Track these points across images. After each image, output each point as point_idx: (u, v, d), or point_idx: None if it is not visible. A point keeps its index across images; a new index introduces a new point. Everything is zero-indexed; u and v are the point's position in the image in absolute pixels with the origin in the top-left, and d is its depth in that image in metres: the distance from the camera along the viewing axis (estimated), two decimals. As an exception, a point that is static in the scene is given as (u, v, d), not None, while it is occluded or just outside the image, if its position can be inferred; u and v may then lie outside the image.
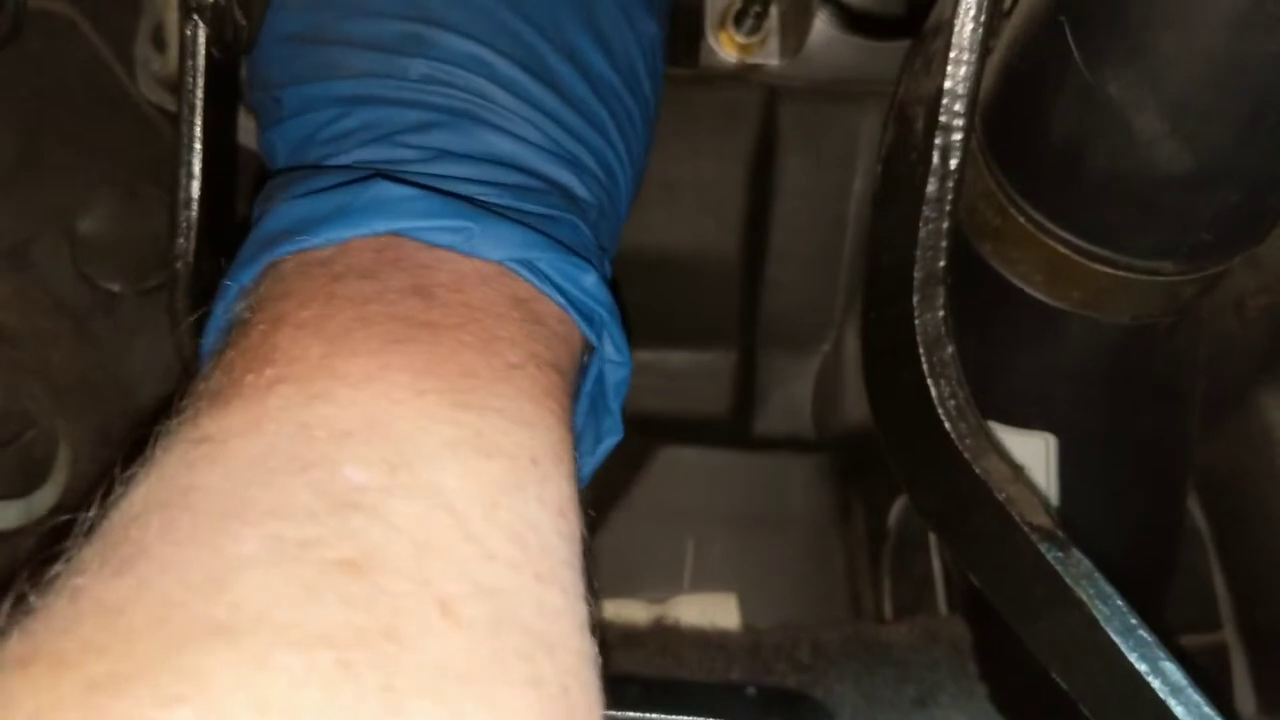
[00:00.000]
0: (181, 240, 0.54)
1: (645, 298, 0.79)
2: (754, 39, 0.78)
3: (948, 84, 0.52)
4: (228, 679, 0.27)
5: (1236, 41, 0.47)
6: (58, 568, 0.30)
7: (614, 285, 0.49)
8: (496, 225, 0.43)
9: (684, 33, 0.77)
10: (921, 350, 0.54)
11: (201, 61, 0.54)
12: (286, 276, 0.40)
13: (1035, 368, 0.65)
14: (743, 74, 0.77)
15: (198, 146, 0.54)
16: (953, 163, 0.53)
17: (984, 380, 0.55)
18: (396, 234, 0.41)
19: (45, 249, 0.73)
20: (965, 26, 0.52)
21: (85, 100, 0.76)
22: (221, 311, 0.42)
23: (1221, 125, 0.50)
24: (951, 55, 0.52)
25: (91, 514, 0.31)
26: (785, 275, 0.81)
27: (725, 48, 0.78)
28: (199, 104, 0.54)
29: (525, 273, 0.43)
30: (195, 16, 0.53)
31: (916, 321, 0.55)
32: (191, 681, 0.26)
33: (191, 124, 0.54)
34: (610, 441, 0.50)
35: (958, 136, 0.53)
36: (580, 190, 0.50)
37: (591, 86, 0.52)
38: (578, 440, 0.44)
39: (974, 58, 0.52)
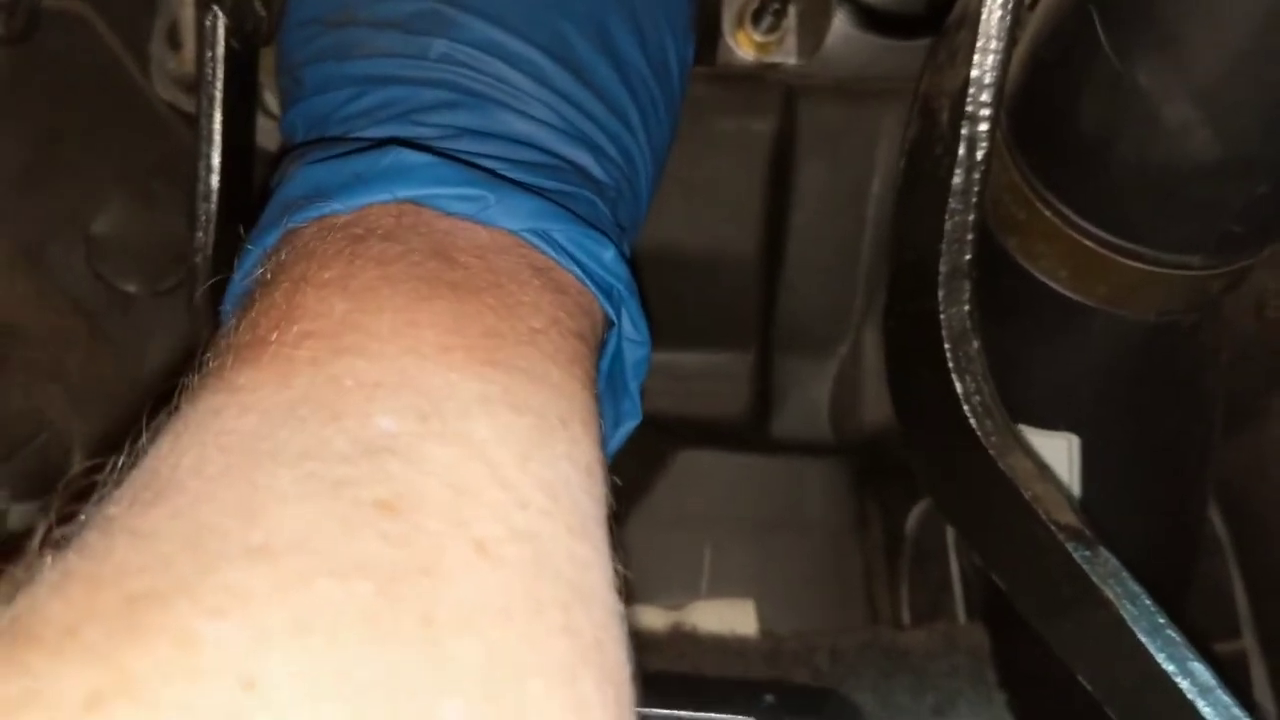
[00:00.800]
0: (200, 234, 0.53)
1: (662, 299, 0.78)
2: (772, 38, 0.78)
3: (974, 73, 0.52)
4: (268, 597, 0.27)
5: (1267, 30, 0.46)
6: (87, 509, 0.30)
7: (633, 266, 0.49)
8: (512, 195, 0.43)
9: (701, 30, 0.77)
10: (947, 346, 0.54)
11: (221, 53, 0.54)
12: (307, 240, 0.40)
13: (1059, 365, 0.64)
14: (760, 73, 0.77)
15: (217, 139, 0.54)
16: (979, 154, 0.52)
17: (1006, 378, 0.54)
18: (414, 201, 0.41)
19: (60, 250, 0.73)
20: (993, 15, 0.51)
21: (100, 100, 0.76)
22: (240, 277, 0.42)
23: (1251, 114, 0.49)
24: (978, 44, 0.51)
25: (120, 460, 0.31)
26: (803, 277, 0.80)
27: (743, 46, 0.78)
28: (218, 96, 0.54)
29: (542, 244, 0.43)
30: (215, 7, 0.53)
31: (942, 316, 0.54)
32: (232, 596, 0.26)
33: (210, 117, 0.54)
34: (630, 424, 0.50)
35: (984, 127, 0.52)
36: (598, 171, 0.50)
37: (618, 71, 0.52)
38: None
39: (1001, 46, 0.51)
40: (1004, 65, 0.52)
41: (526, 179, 0.46)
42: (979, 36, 0.52)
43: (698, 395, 0.84)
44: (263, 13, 0.55)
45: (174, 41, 0.75)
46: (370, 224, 0.40)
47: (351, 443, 0.31)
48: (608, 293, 0.45)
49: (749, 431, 0.88)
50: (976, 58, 0.52)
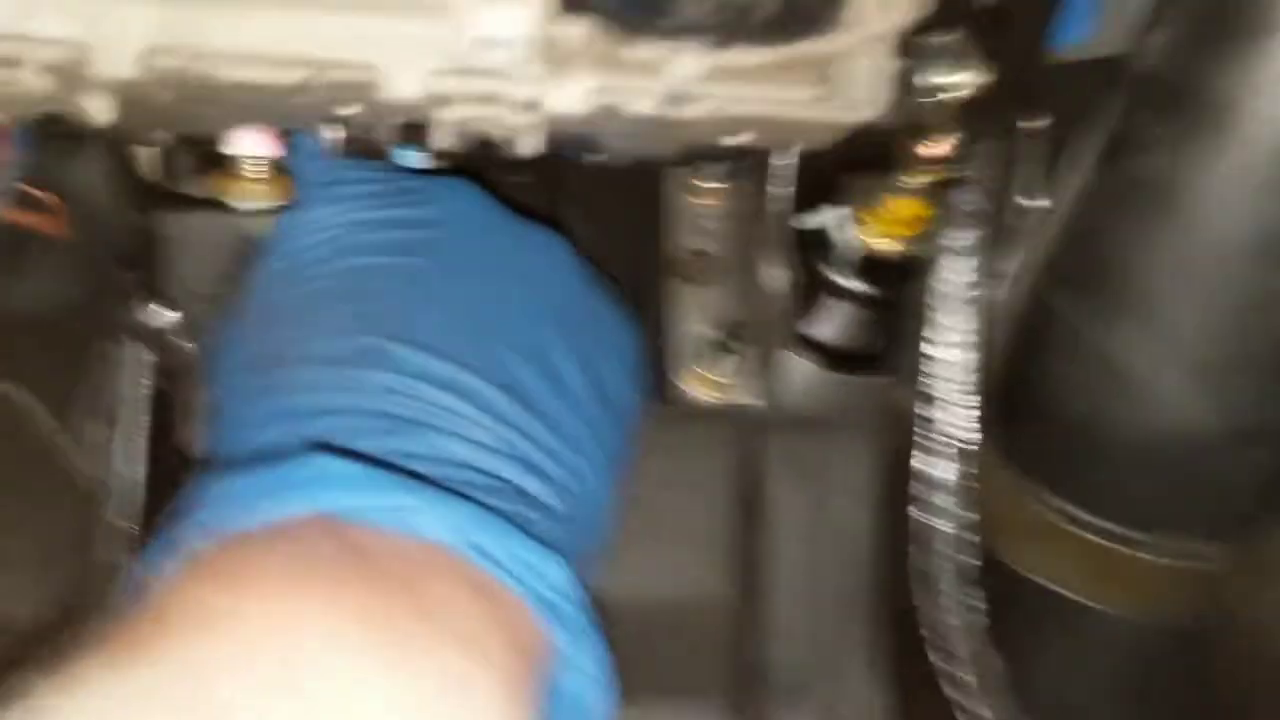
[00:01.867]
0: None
1: (632, 648, 0.71)
2: (727, 379, 0.76)
3: (944, 356, 0.49)
4: None
5: (1254, 280, 0.44)
6: None
7: (594, 606, 0.44)
8: (444, 503, 0.40)
9: (655, 374, 0.75)
10: (956, 660, 0.48)
11: (143, 391, 0.50)
12: (205, 551, 0.37)
13: (1074, 682, 0.57)
14: (721, 412, 0.74)
15: (139, 485, 0.49)
16: (961, 443, 0.48)
17: (1020, 697, 0.48)
18: (333, 514, 0.38)
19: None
20: (958, 294, 0.49)
21: (26, 479, 0.71)
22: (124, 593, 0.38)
23: (1248, 376, 0.46)
24: (944, 324, 0.49)
25: None
26: (785, 617, 0.74)
27: (697, 387, 0.76)
28: (139, 435, 0.50)
29: (478, 558, 0.39)
30: (137, 341, 0.50)
31: (950, 625, 0.48)
32: None
33: (127, 456, 0.50)
34: None
35: (965, 415, 0.49)
36: (543, 494, 0.48)
37: (562, 399, 0.51)
38: None
39: (967, 325, 0.49)
40: (975, 345, 0.49)
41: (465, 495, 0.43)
42: (943, 322, 0.49)
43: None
44: (189, 346, 0.52)
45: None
46: (279, 531, 0.37)
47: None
48: (555, 614, 0.40)
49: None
50: (944, 340, 0.49)
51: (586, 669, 0.42)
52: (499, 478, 0.46)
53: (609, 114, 0.31)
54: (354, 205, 0.52)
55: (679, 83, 0.31)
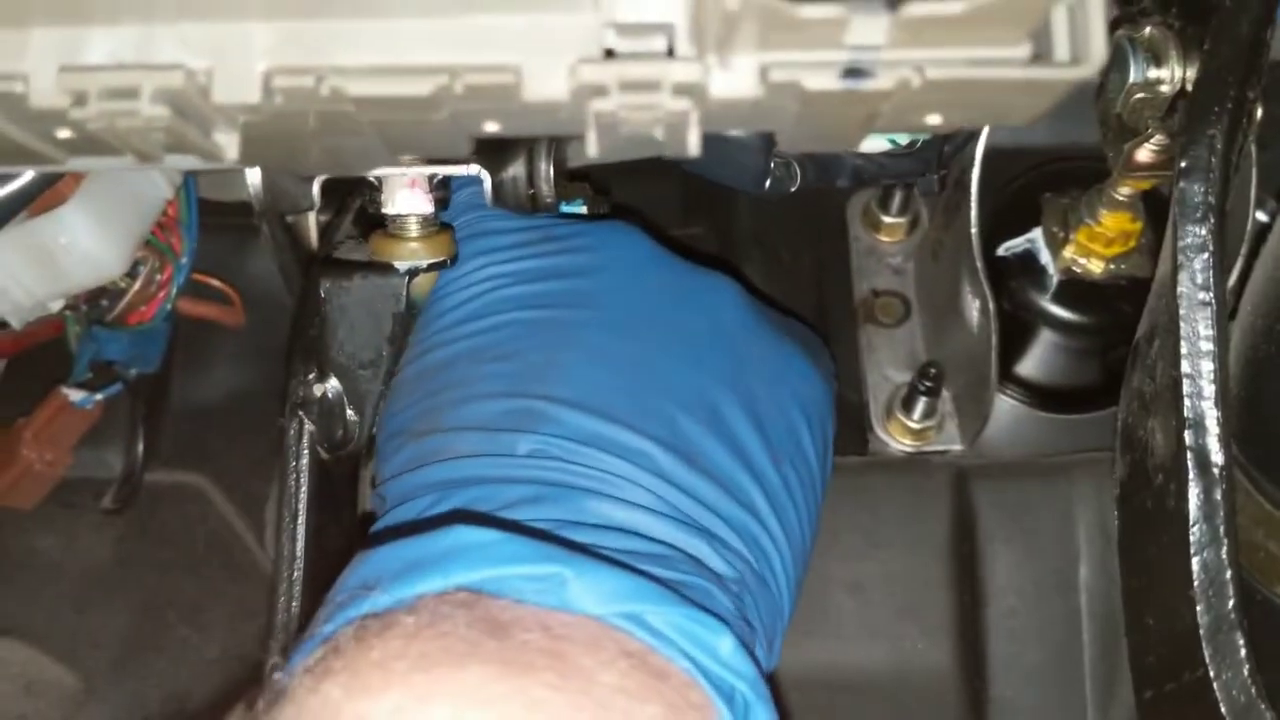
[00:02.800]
0: (277, 662, 0.45)
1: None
2: (929, 424, 0.70)
3: (1185, 370, 0.42)
4: None
5: None
6: None
7: (774, 682, 0.40)
8: (597, 571, 0.36)
9: (850, 423, 0.69)
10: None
11: (305, 463, 0.48)
12: (338, 641, 0.34)
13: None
14: (923, 459, 0.68)
15: (299, 560, 0.47)
16: (1215, 465, 0.42)
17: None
18: (472, 588, 0.35)
19: (155, 734, 0.65)
20: (1194, 302, 0.42)
21: (211, 570, 0.71)
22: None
23: None
24: (1184, 339, 0.42)
25: None
26: (1014, 691, 0.66)
27: (897, 436, 0.70)
28: (302, 511, 0.47)
29: (636, 629, 0.35)
30: (300, 413, 0.48)
31: (1216, 685, 0.41)
32: None
33: (293, 536, 0.47)
34: None
35: (1214, 431, 0.42)
36: (716, 562, 0.43)
37: (737, 456, 0.47)
38: None
39: (1210, 335, 0.42)
40: (1220, 355, 0.42)
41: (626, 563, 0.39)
42: (1183, 331, 0.43)
43: None
44: (355, 418, 0.50)
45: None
46: (412, 610, 0.34)
47: None
48: (727, 694, 0.36)
49: None
50: (1185, 350, 0.42)
51: None
52: (663, 543, 0.42)
53: (783, 94, 0.27)
54: (503, 256, 0.50)
55: (860, 50, 0.26)
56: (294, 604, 0.46)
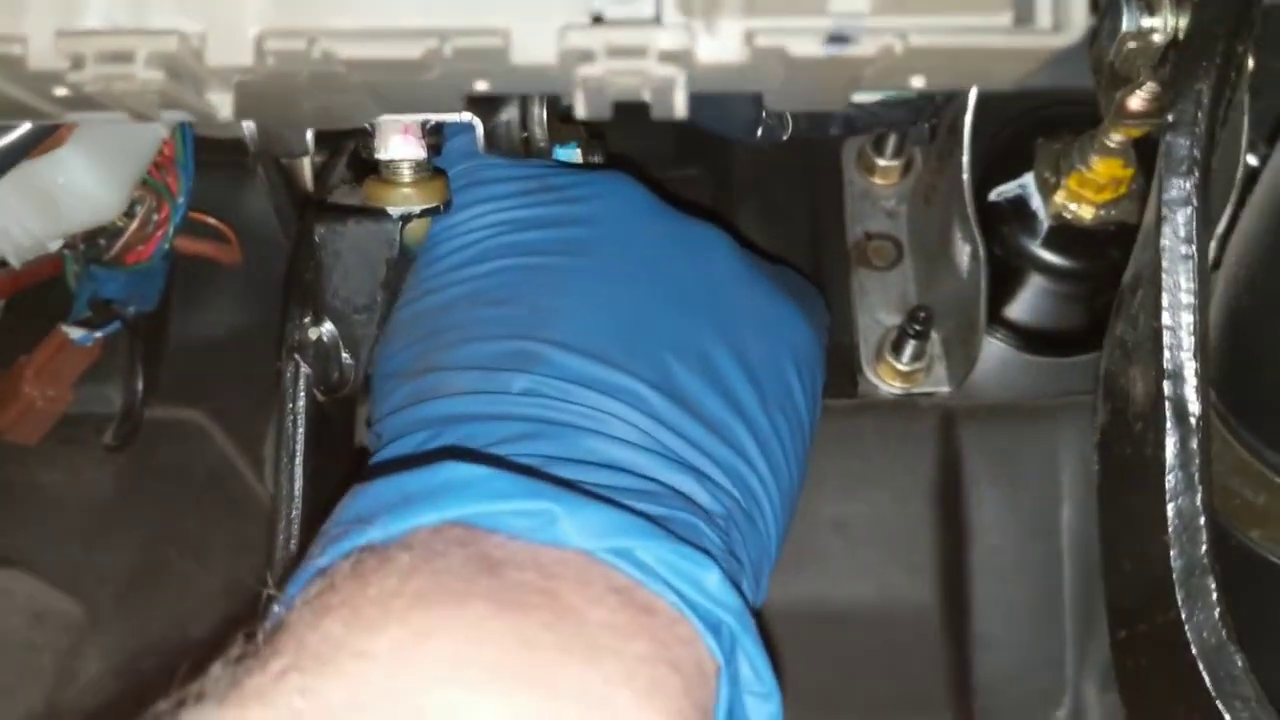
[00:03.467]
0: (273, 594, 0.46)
1: (832, 663, 0.67)
2: (918, 365, 0.71)
3: (1166, 321, 0.43)
4: None
5: None
6: None
7: (760, 616, 0.41)
8: (586, 508, 0.36)
9: (840, 365, 0.70)
10: (1201, 666, 0.42)
11: (303, 405, 0.49)
12: (333, 573, 0.35)
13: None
14: (910, 401, 0.69)
15: (297, 499, 0.48)
16: (1192, 415, 0.43)
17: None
18: (465, 521, 0.36)
19: (155, 667, 0.66)
20: (1176, 253, 0.43)
21: (212, 505, 0.72)
22: (269, 624, 0.36)
23: None
24: (1165, 290, 0.43)
25: None
26: (997, 629, 0.68)
27: (886, 378, 0.71)
28: (299, 452, 0.48)
29: (624, 564, 0.36)
30: (296, 356, 0.49)
31: (1187, 627, 0.43)
32: None
33: (291, 476, 0.48)
34: None
35: (1191, 381, 0.43)
36: (704, 498, 0.44)
37: (724, 398, 0.48)
38: None
39: (1192, 286, 0.43)
40: (1200, 308, 0.43)
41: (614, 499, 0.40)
42: (1165, 283, 0.43)
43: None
44: (350, 360, 0.50)
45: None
46: (407, 546, 0.35)
47: None
48: (713, 627, 0.37)
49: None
50: (1166, 303, 0.43)
51: (752, 686, 0.38)
52: (653, 479, 0.44)
53: (768, 59, 0.27)
54: (500, 205, 0.50)
55: (844, 17, 0.27)
56: (292, 543, 0.47)
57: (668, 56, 0.27)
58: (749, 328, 0.51)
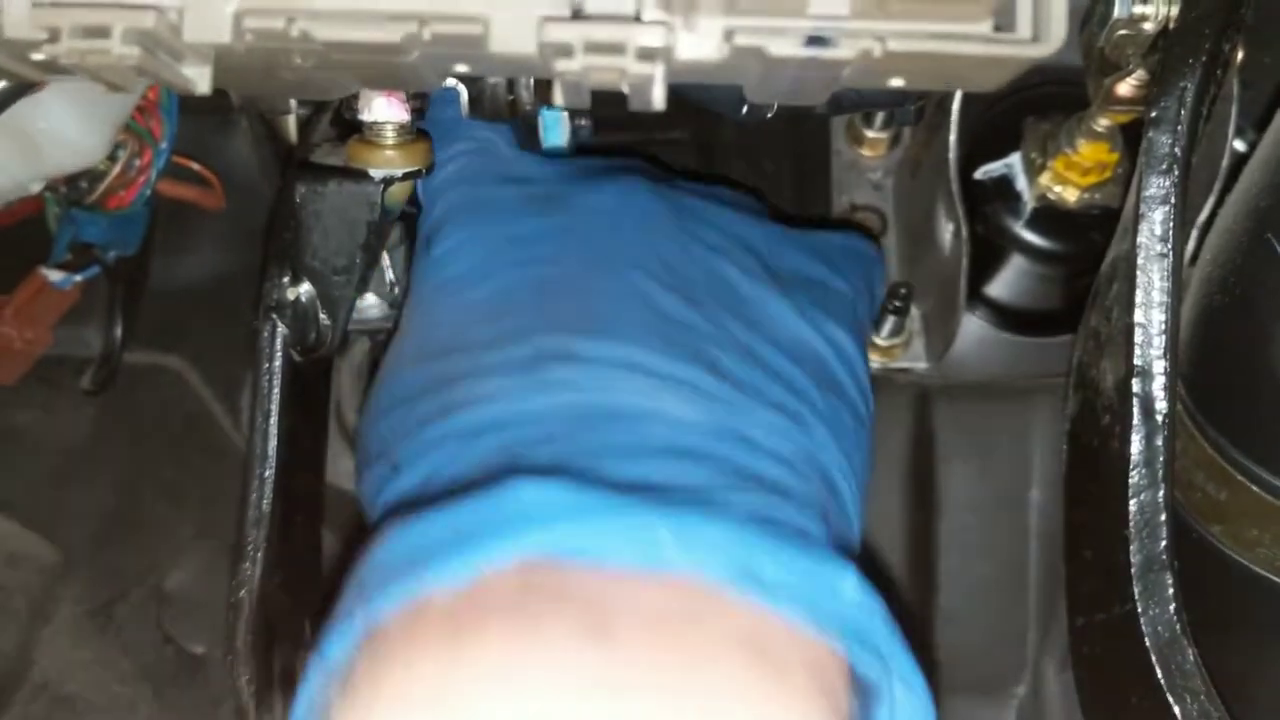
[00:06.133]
0: (247, 565, 0.46)
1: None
2: (896, 340, 0.71)
3: (1138, 318, 0.43)
4: None
5: None
6: None
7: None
8: (695, 523, 0.31)
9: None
10: (1154, 658, 0.43)
11: (279, 365, 0.49)
12: (393, 640, 0.30)
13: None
14: (887, 376, 0.69)
15: (271, 457, 0.48)
16: (1159, 413, 0.43)
17: (1233, 700, 0.43)
18: (546, 560, 0.31)
19: (130, 608, 0.67)
20: (1150, 250, 0.43)
21: (186, 453, 0.72)
22: (305, 696, 0.32)
23: None
24: (1139, 286, 0.43)
25: None
26: (961, 602, 0.69)
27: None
28: (274, 412, 0.48)
29: (751, 588, 0.31)
30: (274, 316, 0.49)
31: (1142, 620, 0.43)
32: None
33: (265, 434, 0.48)
34: None
35: (1160, 379, 0.43)
36: (795, 485, 0.40)
37: (786, 388, 0.45)
38: None
39: (1166, 284, 0.43)
40: (1173, 306, 0.43)
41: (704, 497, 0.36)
42: (1139, 280, 0.44)
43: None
44: (328, 322, 0.50)
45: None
46: (482, 602, 0.30)
47: None
48: (859, 635, 0.33)
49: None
50: (1139, 300, 0.43)
51: (904, 699, 0.34)
52: (736, 464, 0.40)
53: (747, 58, 0.27)
54: (506, 219, 0.49)
55: (823, 19, 0.27)
56: (264, 501, 0.48)
57: (646, 54, 0.27)
58: (779, 322, 0.49)
